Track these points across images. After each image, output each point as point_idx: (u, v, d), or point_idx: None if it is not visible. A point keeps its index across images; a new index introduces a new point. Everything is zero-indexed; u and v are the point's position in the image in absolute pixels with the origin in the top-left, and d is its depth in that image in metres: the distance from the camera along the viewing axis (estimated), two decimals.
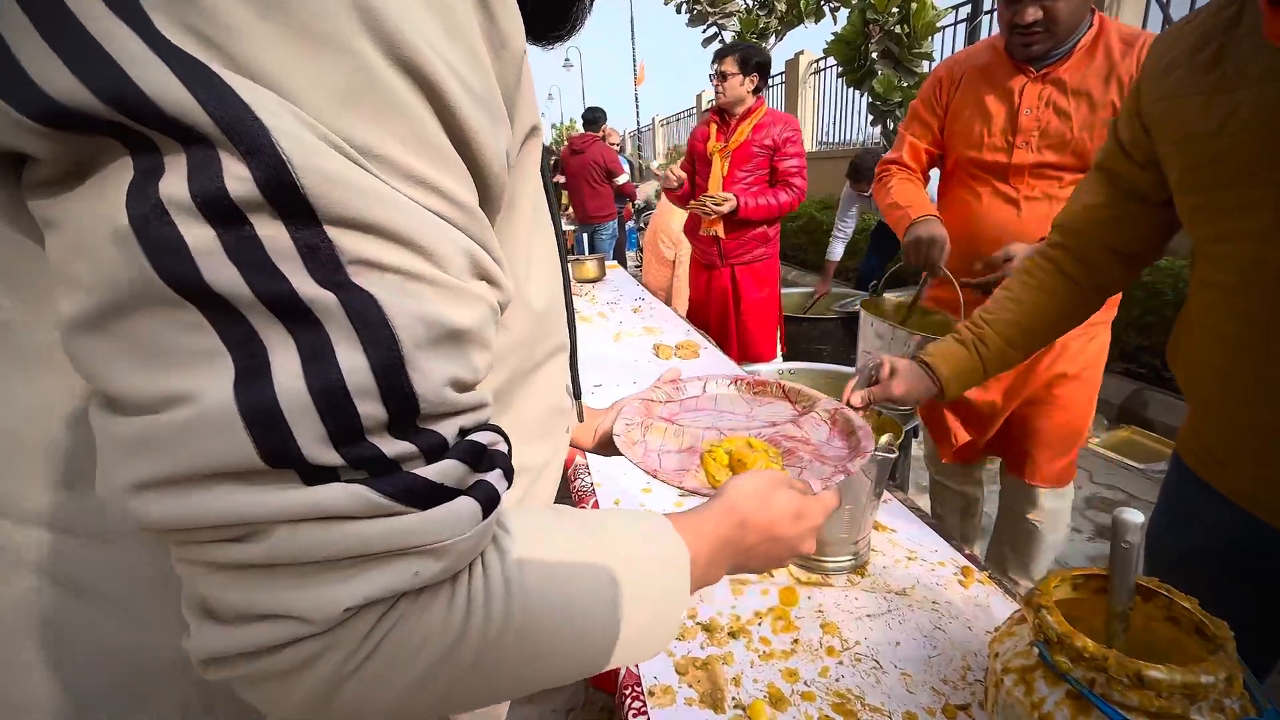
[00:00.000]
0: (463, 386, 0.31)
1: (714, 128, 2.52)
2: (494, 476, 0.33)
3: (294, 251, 0.26)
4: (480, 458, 0.32)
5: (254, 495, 0.26)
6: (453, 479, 0.31)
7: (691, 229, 2.72)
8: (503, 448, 0.35)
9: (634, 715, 0.68)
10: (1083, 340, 1.41)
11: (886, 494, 1.09)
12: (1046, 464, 1.50)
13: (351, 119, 0.26)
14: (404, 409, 0.29)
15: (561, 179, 5.47)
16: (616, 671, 0.79)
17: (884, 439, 0.84)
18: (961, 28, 4.97)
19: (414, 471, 0.29)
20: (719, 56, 2.44)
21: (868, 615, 0.83)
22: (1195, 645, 0.58)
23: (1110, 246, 0.88)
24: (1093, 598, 0.65)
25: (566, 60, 20.22)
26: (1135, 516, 0.57)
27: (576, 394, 0.57)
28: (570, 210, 5.68)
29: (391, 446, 0.29)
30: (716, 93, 2.46)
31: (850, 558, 0.90)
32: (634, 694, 0.71)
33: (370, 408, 0.27)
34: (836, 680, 0.73)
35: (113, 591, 0.35)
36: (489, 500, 0.32)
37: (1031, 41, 1.26)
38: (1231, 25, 0.67)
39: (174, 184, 0.24)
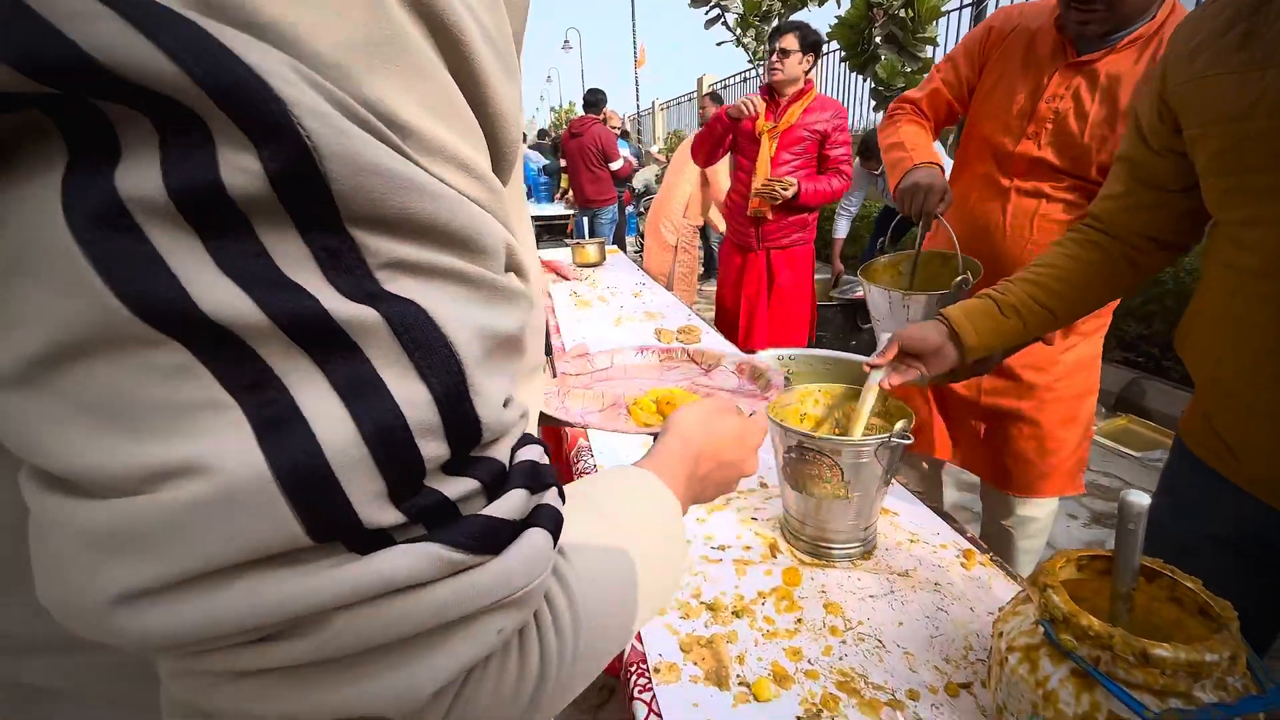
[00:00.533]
0: (509, 401, 0.27)
1: (763, 105, 2.46)
2: (551, 496, 0.29)
3: (309, 257, 0.20)
4: (536, 478, 0.28)
5: (299, 581, 0.20)
6: (519, 510, 0.26)
7: (732, 209, 2.67)
8: (545, 459, 0.30)
9: (639, 691, 0.69)
10: (1055, 350, 1.33)
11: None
12: (1018, 474, 1.43)
13: (371, 80, 0.21)
14: (465, 440, 0.24)
15: (563, 162, 5.42)
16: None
17: (899, 425, 0.84)
18: (967, 12, 4.92)
19: (483, 513, 0.25)
20: (779, 33, 2.40)
21: (870, 596, 0.83)
22: (1197, 625, 0.58)
23: (1139, 233, 0.87)
24: (1096, 579, 0.65)
25: (566, 42, 19.97)
26: (1141, 499, 0.57)
27: (547, 350, 0.56)
28: (570, 194, 5.64)
29: (453, 487, 0.24)
30: (773, 70, 2.41)
31: (859, 544, 0.91)
32: (639, 671, 0.72)
33: (434, 447, 0.22)
34: (840, 659, 0.73)
35: (108, 692, 0.30)
36: (555, 526, 0.28)
37: (1089, 19, 1.09)
38: (1260, 6, 0.66)
39: (138, 176, 0.18)
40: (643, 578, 0.37)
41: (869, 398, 0.91)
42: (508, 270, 0.28)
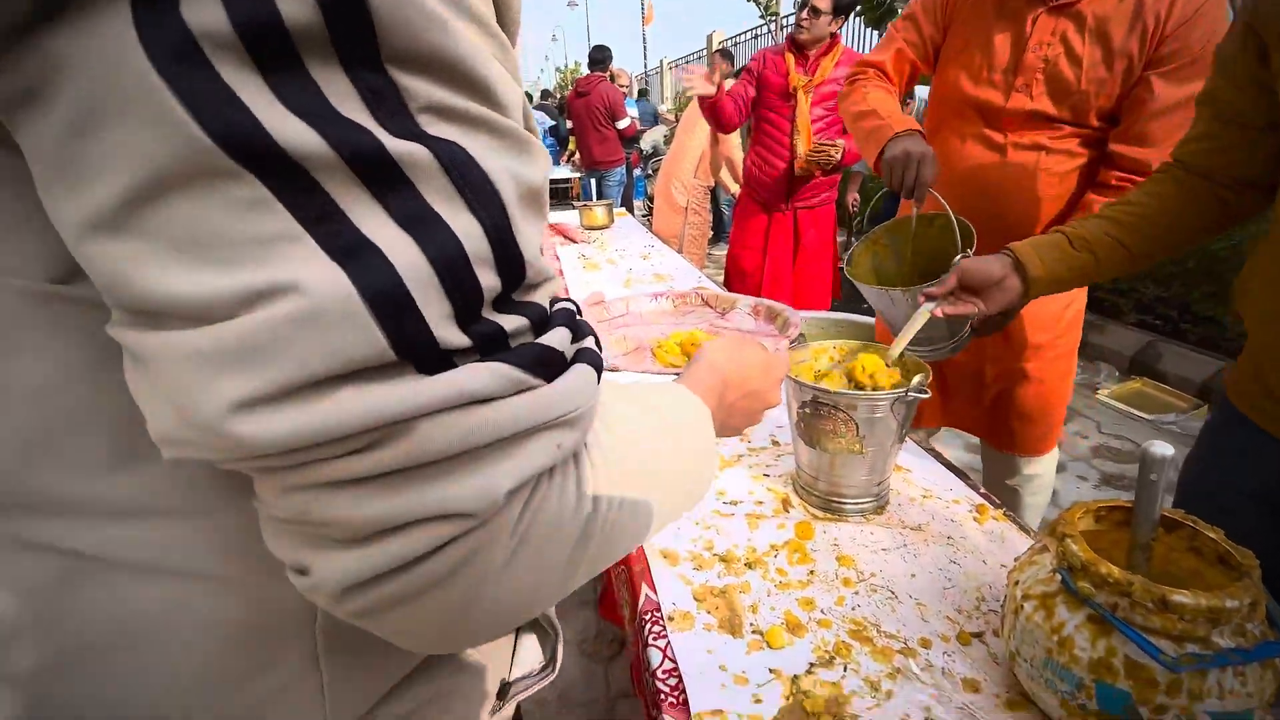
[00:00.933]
0: (543, 251, 0.30)
1: (791, 59, 2.39)
2: (590, 343, 0.32)
3: (357, 95, 0.21)
4: (575, 326, 0.31)
5: (390, 390, 0.23)
6: (565, 344, 0.29)
7: (759, 167, 2.58)
8: (580, 315, 0.34)
9: (654, 639, 0.70)
10: (1059, 306, 1.31)
11: None
12: (1020, 433, 1.42)
13: None
14: (513, 277, 0.26)
15: (569, 124, 5.31)
16: (627, 604, 0.80)
17: (916, 379, 0.82)
18: None
19: (540, 342, 0.28)
20: None
21: (883, 549, 0.84)
22: (1216, 574, 0.58)
23: (1223, 171, 0.83)
24: (1114, 530, 0.65)
25: None
26: (1164, 450, 0.57)
27: None
28: (577, 156, 5.54)
29: (508, 320, 0.26)
30: (801, 27, 2.34)
31: (872, 499, 0.91)
32: (654, 619, 0.73)
33: (489, 278, 0.25)
34: (853, 609, 0.74)
35: (198, 565, 0.30)
36: (598, 365, 0.31)
37: None
38: None
39: (202, 9, 0.19)
40: (670, 461, 0.39)
41: (918, 322, 0.90)
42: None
